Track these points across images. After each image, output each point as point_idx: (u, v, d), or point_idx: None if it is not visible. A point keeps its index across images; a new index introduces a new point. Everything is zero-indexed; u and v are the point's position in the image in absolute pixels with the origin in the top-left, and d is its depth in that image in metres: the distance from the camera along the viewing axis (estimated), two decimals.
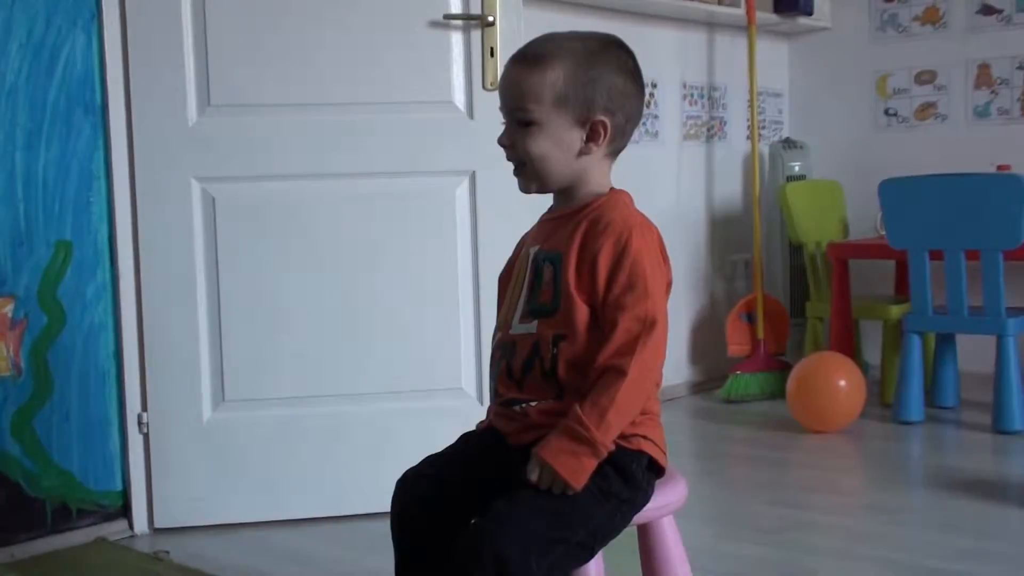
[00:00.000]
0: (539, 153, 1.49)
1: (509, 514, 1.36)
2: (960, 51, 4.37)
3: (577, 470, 1.38)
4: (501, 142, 1.53)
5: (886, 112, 4.57)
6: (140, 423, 2.66)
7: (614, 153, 1.55)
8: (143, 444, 2.67)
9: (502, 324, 1.57)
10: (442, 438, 1.60)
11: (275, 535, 2.64)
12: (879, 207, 3.67)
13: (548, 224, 1.57)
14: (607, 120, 1.49)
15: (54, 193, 2.54)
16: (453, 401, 2.74)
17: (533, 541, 1.35)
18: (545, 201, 1.59)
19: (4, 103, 2.45)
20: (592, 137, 1.50)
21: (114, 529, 2.65)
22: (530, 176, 1.52)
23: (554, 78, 1.47)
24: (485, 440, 1.55)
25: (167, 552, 2.50)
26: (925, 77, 4.47)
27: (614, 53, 1.52)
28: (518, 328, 1.52)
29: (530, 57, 1.50)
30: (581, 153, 1.50)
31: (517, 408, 1.49)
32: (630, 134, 1.56)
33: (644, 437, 1.48)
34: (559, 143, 1.49)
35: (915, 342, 3.59)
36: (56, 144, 2.54)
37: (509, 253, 1.65)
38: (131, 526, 2.67)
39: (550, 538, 1.37)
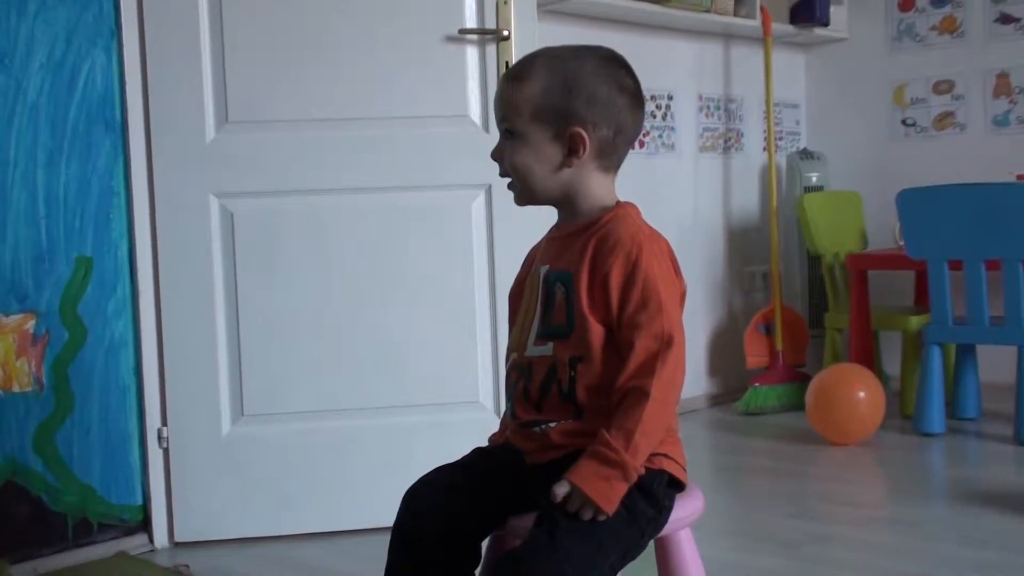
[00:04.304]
0: (521, 166, 1.49)
1: (547, 543, 1.34)
2: (978, 60, 4.36)
3: (609, 494, 1.36)
4: (492, 156, 1.53)
5: (904, 122, 4.56)
6: (160, 437, 2.68)
7: (610, 167, 1.53)
8: (163, 458, 2.69)
9: (516, 345, 1.56)
10: (460, 451, 1.60)
11: (294, 549, 2.64)
12: (898, 217, 3.66)
13: (556, 242, 1.56)
14: (585, 133, 1.47)
15: (75, 210, 2.56)
16: (471, 414, 2.74)
17: (573, 570, 1.33)
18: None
19: (26, 121, 2.48)
20: (572, 150, 1.48)
21: (135, 543, 2.67)
22: (518, 190, 1.53)
23: (532, 91, 1.47)
24: (500, 455, 1.54)
25: (187, 566, 2.51)
26: (943, 87, 4.45)
27: (599, 65, 1.50)
28: (533, 350, 1.51)
29: (515, 71, 1.52)
30: (563, 166, 1.49)
31: (536, 430, 1.49)
32: (624, 148, 1.53)
33: (665, 455, 1.47)
34: (539, 156, 1.48)
35: (935, 353, 3.57)
36: (76, 161, 2.56)
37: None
38: (151, 540, 2.69)
39: (588, 565, 1.35)
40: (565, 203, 1.53)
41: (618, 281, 1.43)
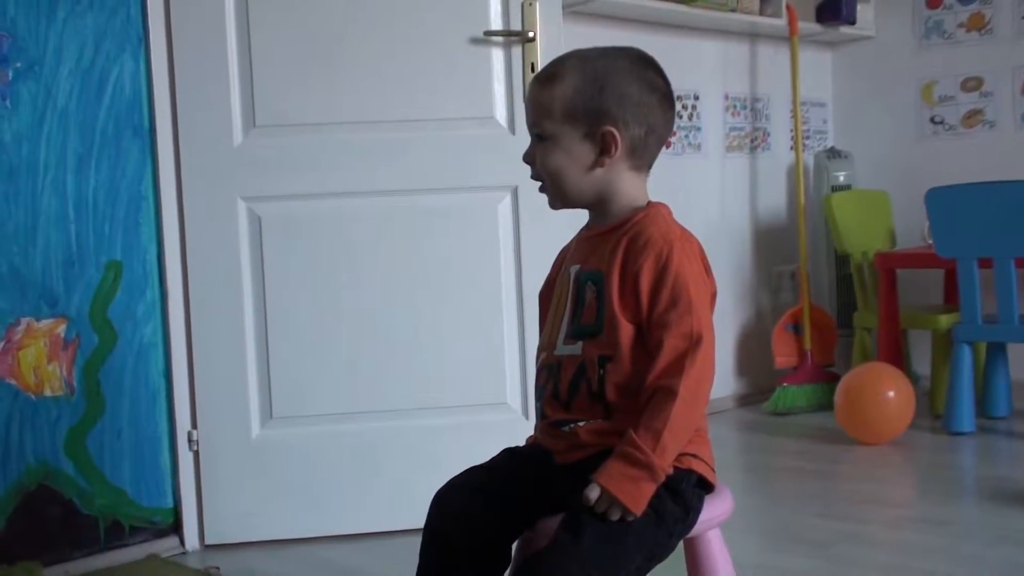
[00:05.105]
0: (554, 168, 1.50)
1: (573, 545, 1.34)
2: (1007, 57, 4.32)
3: (636, 496, 1.36)
4: (524, 159, 1.54)
5: (932, 120, 4.52)
6: (190, 440, 2.70)
7: (642, 167, 1.53)
8: (193, 461, 2.71)
9: (546, 344, 1.56)
10: (488, 452, 1.60)
11: (324, 551, 2.65)
12: (926, 216, 3.63)
13: (587, 242, 1.56)
14: (616, 131, 1.47)
15: (104, 214, 2.58)
16: (498, 416, 2.74)
17: (599, 571, 1.33)
18: (586, 214, 1.59)
19: (56, 127, 2.50)
20: (604, 150, 1.48)
21: (166, 546, 2.69)
22: (551, 193, 1.53)
23: (563, 92, 1.48)
24: (530, 456, 1.55)
25: (218, 568, 2.52)
26: (971, 84, 4.42)
27: (629, 65, 1.50)
28: (563, 349, 1.51)
29: (545, 72, 1.52)
30: (595, 166, 1.49)
31: (565, 429, 1.49)
32: (655, 147, 1.53)
33: (693, 455, 1.47)
34: (571, 157, 1.49)
35: (965, 352, 3.54)
36: (106, 167, 2.58)
37: (550, 268, 1.65)
38: (182, 542, 2.70)
39: (614, 566, 1.35)
40: (597, 204, 1.53)
41: (648, 280, 1.43)
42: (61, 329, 2.52)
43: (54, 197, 2.51)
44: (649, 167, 1.55)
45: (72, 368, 2.54)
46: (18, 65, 2.45)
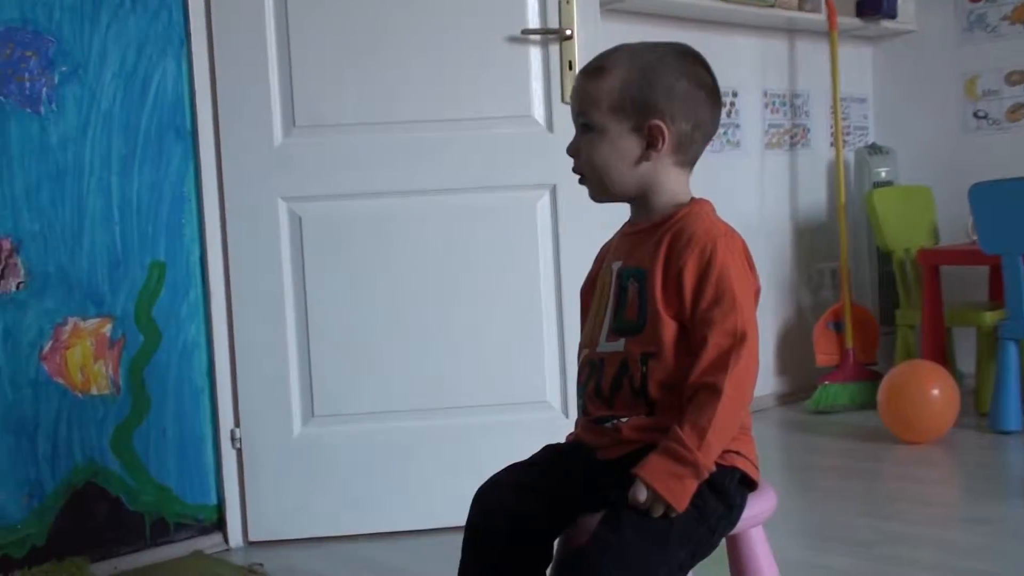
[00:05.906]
0: (599, 160, 1.49)
1: (615, 540, 1.34)
2: None
3: (680, 492, 1.35)
4: (568, 151, 1.54)
5: (975, 114, 4.47)
6: (233, 438, 2.72)
7: (686, 162, 1.52)
8: (236, 459, 2.73)
9: (588, 341, 1.56)
10: (528, 451, 1.60)
11: (366, 548, 2.67)
12: (970, 211, 3.59)
13: (629, 238, 1.55)
14: (664, 126, 1.46)
15: (148, 215, 2.61)
16: (538, 414, 2.75)
17: (639, 568, 1.33)
18: (627, 211, 1.59)
19: (100, 130, 2.54)
20: (651, 143, 1.47)
21: (210, 542, 2.71)
22: (594, 186, 1.52)
23: (611, 84, 1.47)
24: (571, 453, 1.54)
25: (261, 565, 2.54)
26: (1016, 77, 4.36)
27: (677, 59, 1.50)
28: (605, 346, 1.51)
29: (593, 64, 1.52)
30: (641, 160, 1.48)
31: (608, 425, 1.48)
32: (701, 143, 1.52)
33: (737, 453, 1.46)
34: (617, 150, 1.48)
35: (1011, 349, 3.50)
36: (149, 168, 2.61)
37: (591, 266, 1.65)
38: (226, 539, 2.73)
39: (655, 563, 1.35)
40: (640, 198, 1.53)
41: (692, 277, 1.42)
42: (107, 328, 2.56)
43: (99, 198, 2.54)
44: (693, 163, 1.54)
45: (118, 367, 2.57)
46: (63, 69, 2.48)
